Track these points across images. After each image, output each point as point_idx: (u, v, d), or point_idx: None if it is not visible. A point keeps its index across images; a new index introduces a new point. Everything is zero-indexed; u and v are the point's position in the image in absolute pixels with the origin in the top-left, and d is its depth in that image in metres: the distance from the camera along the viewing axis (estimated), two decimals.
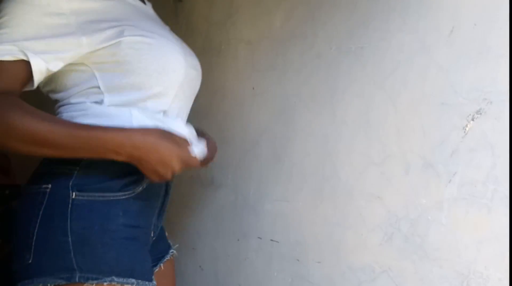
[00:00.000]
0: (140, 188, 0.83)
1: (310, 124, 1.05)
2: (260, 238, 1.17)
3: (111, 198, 0.80)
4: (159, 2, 1.62)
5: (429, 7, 0.84)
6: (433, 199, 0.83)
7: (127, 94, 0.81)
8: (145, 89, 0.82)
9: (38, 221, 0.77)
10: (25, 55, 0.73)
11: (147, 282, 0.81)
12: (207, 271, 1.36)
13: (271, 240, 1.14)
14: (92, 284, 0.76)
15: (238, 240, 1.25)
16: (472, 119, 0.78)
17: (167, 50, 0.84)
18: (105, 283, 0.76)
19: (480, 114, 0.77)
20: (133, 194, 0.82)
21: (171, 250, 1.02)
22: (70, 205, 0.77)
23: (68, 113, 0.83)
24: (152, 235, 0.91)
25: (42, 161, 0.84)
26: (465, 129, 0.79)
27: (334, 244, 1.00)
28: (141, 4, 0.92)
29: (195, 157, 0.83)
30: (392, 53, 0.89)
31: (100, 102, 0.81)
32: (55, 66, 0.77)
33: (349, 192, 0.97)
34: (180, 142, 0.81)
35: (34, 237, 0.77)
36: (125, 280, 0.78)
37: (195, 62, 0.93)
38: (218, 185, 1.32)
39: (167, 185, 0.92)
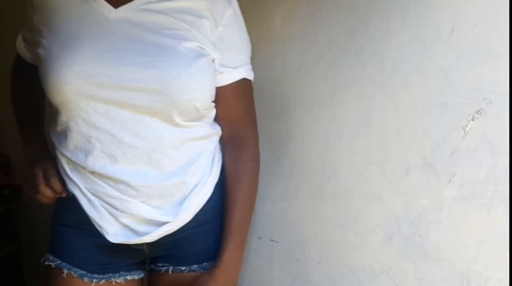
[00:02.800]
0: None
1: (310, 124, 1.05)
2: (260, 238, 1.17)
3: None
4: None
5: (429, 7, 0.84)
6: (433, 199, 0.83)
7: None
8: None
9: None
10: None
11: None
12: None
13: (271, 240, 1.14)
14: None
15: None
16: (472, 119, 0.78)
17: None
18: None
19: (480, 114, 0.77)
20: None
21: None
22: None
23: None
24: None
25: None
26: (465, 129, 0.79)
27: (334, 244, 1.00)
28: None
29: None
30: (392, 53, 0.89)
31: None
32: None
33: (349, 192, 0.97)
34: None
35: None
36: None
37: None
38: None
39: None
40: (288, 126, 1.10)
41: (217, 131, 0.96)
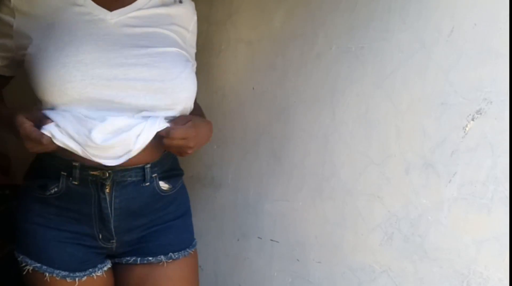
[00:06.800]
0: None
1: (310, 124, 1.05)
2: (260, 238, 1.17)
3: None
4: None
5: (429, 7, 0.84)
6: (433, 199, 0.83)
7: None
8: None
9: None
10: None
11: None
12: (207, 271, 1.36)
13: (271, 240, 1.14)
14: None
15: (238, 240, 1.25)
16: (472, 119, 0.78)
17: None
18: None
19: (480, 114, 0.77)
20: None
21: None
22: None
23: None
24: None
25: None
26: (465, 129, 0.79)
27: (334, 244, 1.00)
28: None
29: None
30: (392, 53, 0.89)
31: None
32: None
33: (349, 192, 0.97)
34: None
35: None
36: None
37: None
38: (218, 185, 1.32)
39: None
40: (288, 126, 1.10)
41: None
